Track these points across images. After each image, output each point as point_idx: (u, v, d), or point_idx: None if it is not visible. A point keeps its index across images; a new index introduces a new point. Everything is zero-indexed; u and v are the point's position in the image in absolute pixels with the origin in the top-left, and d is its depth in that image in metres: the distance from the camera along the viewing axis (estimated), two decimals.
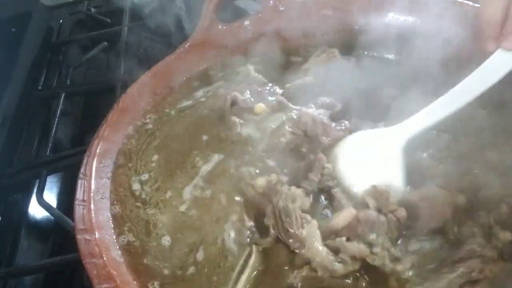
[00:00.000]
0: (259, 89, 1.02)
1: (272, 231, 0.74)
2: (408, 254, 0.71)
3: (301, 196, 0.75)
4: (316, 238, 0.70)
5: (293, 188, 0.75)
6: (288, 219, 0.71)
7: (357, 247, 0.69)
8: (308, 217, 0.73)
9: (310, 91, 0.98)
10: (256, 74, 1.07)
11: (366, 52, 1.12)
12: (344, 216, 0.73)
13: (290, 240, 0.72)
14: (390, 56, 1.11)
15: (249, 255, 0.71)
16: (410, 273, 0.68)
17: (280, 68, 1.11)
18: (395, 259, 0.69)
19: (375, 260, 0.69)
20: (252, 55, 1.13)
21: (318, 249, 0.69)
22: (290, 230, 0.71)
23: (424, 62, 0.96)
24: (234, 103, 0.98)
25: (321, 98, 0.95)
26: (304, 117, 0.89)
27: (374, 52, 1.11)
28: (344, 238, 0.71)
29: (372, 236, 0.71)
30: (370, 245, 0.70)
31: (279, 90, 1.02)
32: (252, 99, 0.99)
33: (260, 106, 0.97)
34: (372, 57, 1.10)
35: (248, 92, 1.01)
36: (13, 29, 1.43)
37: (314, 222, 0.72)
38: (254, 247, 0.72)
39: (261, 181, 0.77)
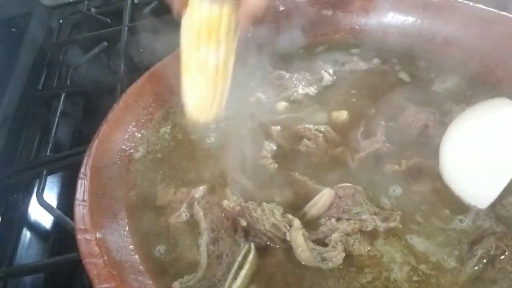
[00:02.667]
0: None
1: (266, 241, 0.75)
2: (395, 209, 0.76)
3: (274, 207, 0.76)
4: (299, 240, 0.71)
5: (263, 205, 0.76)
6: (277, 231, 0.73)
7: (345, 225, 0.72)
8: (290, 216, 0.74)
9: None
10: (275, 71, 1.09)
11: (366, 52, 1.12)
12: (324, 200, 0.76)
13: (283, 246, 0.73)
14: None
15: (248, 251, 0.72)
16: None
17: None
18: (386, 219, 0.74)
19: (368, 226, 0.72)
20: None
21: (303, 253, 0.70)
22: (283, 237, 0.73)
23: None
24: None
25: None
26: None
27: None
28: (333, 220, 0.74)
29: (357, 207, 0.75)
30: (358, 214, 0.74)
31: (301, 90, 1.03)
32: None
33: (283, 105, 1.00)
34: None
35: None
36: (13, 29, 1.43)
37: (296, 223, 0.72)
38: (252, 244, 0.73)
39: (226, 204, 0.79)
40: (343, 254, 0.70)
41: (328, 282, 0.69)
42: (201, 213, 0.79)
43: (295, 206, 0.79)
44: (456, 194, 0.78)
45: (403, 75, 1.05)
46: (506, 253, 0.68)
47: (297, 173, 0.85)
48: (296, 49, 1.15)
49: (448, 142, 0.81)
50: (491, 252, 0.68)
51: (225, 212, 0.78)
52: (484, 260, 0.68)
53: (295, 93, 1.03)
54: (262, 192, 0.82)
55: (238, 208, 0.76)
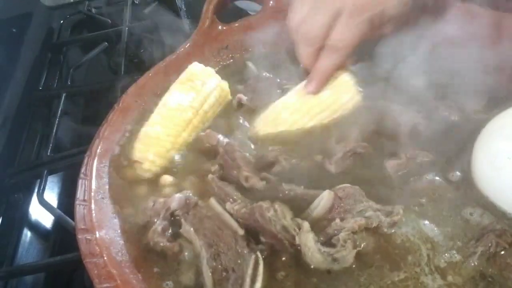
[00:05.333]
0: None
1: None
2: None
3: (284, 208, 0.74)
4: (308, 243, 0.70)
5: (275, 205, 0.73)
6: (287, 234, 0.71)
7: (351, 223, 0.71)
8: (299, 220, 0.73)
9: None
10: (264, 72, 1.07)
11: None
12: (324, 202, 0.75)
13: (291, 250, 0.72)
14: None
15: (256, 262, 0.69)
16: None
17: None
18: (389, 213, 0.73)
19: (373, 223, 0.72)
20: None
21: (314, 255, 0.69)
22: (292, 241, 0.71)
23: None
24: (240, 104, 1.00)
25: None
26: None
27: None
28: (338, 220, 0.73)
29: (359, 206, 0.74)
30: (362, 212, 0.73)
31: None
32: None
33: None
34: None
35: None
36: (14, 30, 1.43)
37: (305, 226, 0.71)
38: (259, 254, 0.70)
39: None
40: (354, 252, 0.69)
41: (342, 283, 0.68)
42: (192, 230, 0.73)
43: (293, 213, 0.76)
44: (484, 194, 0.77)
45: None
46: (507, 250, 0.68)
47: (283, 184, 0.81)
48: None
49: (483, 151, 0.79)
50: (491, 249, 0.68)
51: (218, 222, 0.74)
52: (485, 257, 0.68)
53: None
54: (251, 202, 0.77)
55: (244, 210, 0.73)
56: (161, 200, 0.79)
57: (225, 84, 1.00)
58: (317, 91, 0.93)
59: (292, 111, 0.93)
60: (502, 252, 0.68)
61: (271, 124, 0.94)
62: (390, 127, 0.90)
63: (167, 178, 0.86)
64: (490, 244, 0.68)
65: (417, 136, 0.88)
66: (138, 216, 0.80)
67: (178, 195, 0.78)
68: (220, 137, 0.89)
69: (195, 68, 0.98)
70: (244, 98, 1.00)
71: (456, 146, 0.84)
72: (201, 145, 0.90)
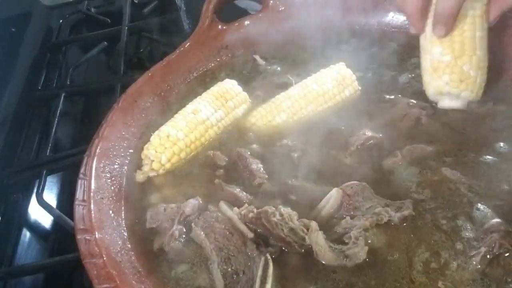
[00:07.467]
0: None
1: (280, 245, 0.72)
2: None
3: (290, 211, 0.74)
4: (320, 242, 0.70)
5: (280, 209, 0.73)
6: (295, 236, 0.71)
7: (362, 221, 0.72)
8: (306, 220, 0.73)
9: None
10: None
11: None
12: (333, 200, 0.75)
13: (302, 251, 0.71)
14: None
15: (266, 264, 0.68)
16: None
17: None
18: (398, 208, 0.74)
19: (383, 219, 0.73)
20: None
21: (326, 253, 0.69)
22: (302, 242, 0.71)
23: None
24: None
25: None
26: None
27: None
28: (348, 218, 0.73)
29: (368, 202, 0.75)
30: (371, 209, 0.74)
31: None
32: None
33: None
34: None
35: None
36: (13, 29, 1.43)
37: (313, 225, 0.71)
38: (268, 255, 0.70)
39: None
40: (367, 248, 0.69)
41: (355, 278, 0.68)
42: (203, 234, 0.74)
43: (302, 212, 0.76)
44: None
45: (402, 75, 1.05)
46: (511, 252, 0.68)
47: (293, 180, 0.83)
48: (296, 47, 1.15)
49: None
50: (495, 250, 0.68)
51: (228, 226, 0.74)
52: (488, 257, 0.68)
53: None
54: (262, 203, 0.78)
55: (251, 214, 0.73)
56: (173, 205, 0.80)
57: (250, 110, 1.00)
58: (446, 34, 0.88)
59: (297, 98, 0.95)
60: (506, 254, 0.68)
61: (270, 114, 0.95)
62: (394, 118, 0.92)
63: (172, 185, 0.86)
64: (493, 245, 0.68)
65: (418, 129, 0.89)
66: (145, 220, 0.80)
67: (191, 200, 0.80)
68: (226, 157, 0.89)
69: (230, 87, 0.99)
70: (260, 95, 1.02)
71: (458, 139, 0.86)
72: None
